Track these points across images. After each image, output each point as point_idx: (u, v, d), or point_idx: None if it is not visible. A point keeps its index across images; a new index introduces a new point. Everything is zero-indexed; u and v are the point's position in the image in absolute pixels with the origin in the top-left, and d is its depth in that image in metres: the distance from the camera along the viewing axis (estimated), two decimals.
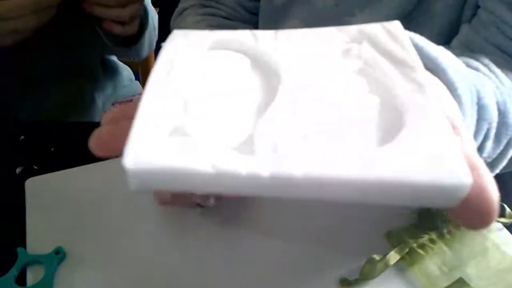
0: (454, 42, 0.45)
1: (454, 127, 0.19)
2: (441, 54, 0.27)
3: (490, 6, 0.42)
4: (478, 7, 0.45)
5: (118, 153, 0.20)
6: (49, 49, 0.74)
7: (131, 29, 0.67)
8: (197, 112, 0.21)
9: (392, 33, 0.24)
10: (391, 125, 0.19)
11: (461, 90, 0.26)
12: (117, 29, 0.65)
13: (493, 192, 0.18)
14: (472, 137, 0.20)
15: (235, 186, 0.18)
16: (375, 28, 0.25)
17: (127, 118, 0.21)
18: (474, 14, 0.45)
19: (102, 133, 0.21)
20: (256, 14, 0.62)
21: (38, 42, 0.71)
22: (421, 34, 0.48)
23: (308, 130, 0.19)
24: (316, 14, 0.52)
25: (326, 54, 0.23)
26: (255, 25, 0.63)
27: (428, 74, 0.24)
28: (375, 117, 0.20)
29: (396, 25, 0.25)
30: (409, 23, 0.48)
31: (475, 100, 0.29)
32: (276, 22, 0.56)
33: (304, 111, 0.20)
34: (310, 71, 0.22)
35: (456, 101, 0.26)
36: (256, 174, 0.17)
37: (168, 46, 0.25)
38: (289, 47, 0.24)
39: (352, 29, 0.25)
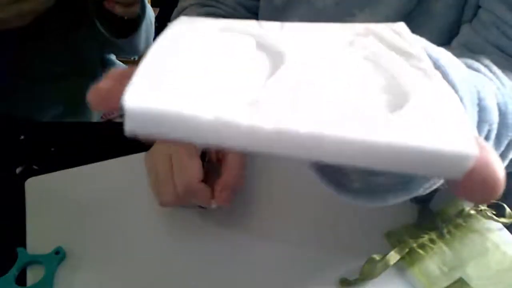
0: (454, 42, 0.45)
1: None
2: (442, 55, 0.27)
3: (491, 6, 0.42)
4: (478, 7, 0.45)
5: (114, 109, 0.19)
6: (48, 48, 0.74)
7: (131, 12, 0.67)
8: (201, 73, 0.20)
9: (398, 31, 0.24)
10: (399, 97, 0.19)
11: (462, 92, 0.26)
12: (119, 9, 0.65)
13: (499, 168, 0.17)
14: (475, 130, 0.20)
15: (235, 138, 0.17)
16: (380, 26, 0.25)
17: (127, 77, 0.20)
18: (474, 15, 0.45)
19: (102, 87, 0.20)
20: (256, 13, 0.62)
21: (37, 41, 0.71)
22: (421, 34, 0.48)
23: (314, 94, 0.19)
24: (316, 14, 0.53)
25: (332, 41, 0.23)
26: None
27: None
28: (382, 90, 0.20)
29: (401, 26, 0.25)
30: (409, 23, 0.48)
31: (476, 101, 0.29)
32: (276, 21, 0.57)
33: (310, 81, 0.20)
34: (315, 53, 0.22)
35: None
36: (258, 126, 0.17)
37: (173, 26, 0.24)
38: (294, 34, 0.24)
39: (358, 26, 0.25)
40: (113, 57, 0.92)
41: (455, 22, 0.47)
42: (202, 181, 0.42)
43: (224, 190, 0.43)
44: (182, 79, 0.19)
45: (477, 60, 0.36)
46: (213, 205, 0.44)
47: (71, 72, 0.79)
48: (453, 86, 0.26)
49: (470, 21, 0.45)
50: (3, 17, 0.54)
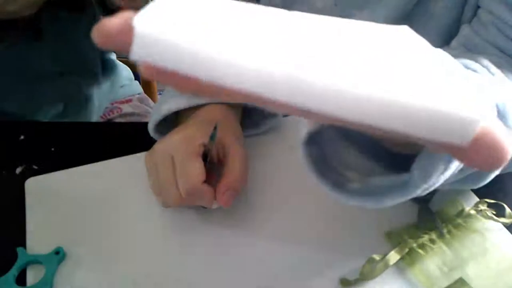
0: (454, 42, 0.45)
1: None
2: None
3: (490, 6, 0.42)
4: (478, 7, 0.45)
5: (122, 48, 0.18)
6: (47, 47, 0.74)
7: (135, 4, 0.66)
8: (220, 16, 0.19)
9: (403, 32, 0.25)
10: (409, 58, 0.19)
11: None
12: (122, 1, 0.64)
13: (504, 135, 0.17)
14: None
15: (242, 80, 0.17)
16: (385, 26, 0.25)
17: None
18: (474, 15, 0.45)
19: (111, 24, 0.19)
20: None
21: (35, 40, 0.71)
22: (421, 35, 0.48)
23: (330, 50, 0.19)
24: (316, 13, 0.53)
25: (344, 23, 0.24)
26: None
27: None
28: (398, 57, 0.20)
29: (405, 28, 0.25)
30: (409, 24, 0.48)
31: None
32: None
33: (325, 40, 0.20)
34: (325, 22, 0.23)
35: None
36: (267, 71, 0.17)
37: None
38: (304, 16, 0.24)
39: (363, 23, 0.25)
40: (113, 57, 0.92)
41: (455, 22, 0.47)
42: (204, 181, 0.42)
43: (226, 191, 0.42)
44: (198, 15, 0.18)
45: (476, 61, 0.36)
46: (215, 206, 0.44)
47: (70, 71, 0.79)
48: None
49: (470, 21, 0.45)
50: (14, 9, 0.55)
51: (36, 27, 0.64)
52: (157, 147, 0.45)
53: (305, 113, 0.18)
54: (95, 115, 0.85)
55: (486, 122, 0.17)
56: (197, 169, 0.41)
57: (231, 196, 0.43)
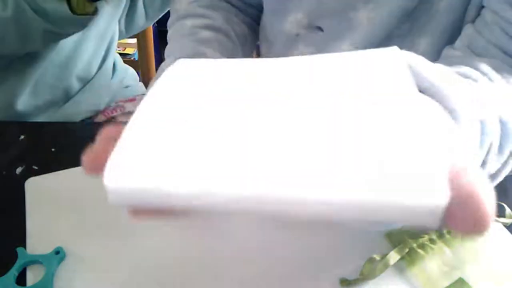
0: (458, 43, 0.45)
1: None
2: (439, 76, 0.27)
3: (495, 6, 0.42)
4: (482, 7, 0.44)
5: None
6: (49, 51, 0.74)
7: None
8: (183, 136, 0.21)
9: (390, 61, 0.24)
10: (378, 139, 0.19)
11: (461, 111, 0.27)
12: None
13: (485, 199, 0.17)
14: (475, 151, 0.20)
15: (215, 204, 0.18)
16: (373, 56, 0.24)
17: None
18: (477, 14, 0.45)
19: (92, 151, 0.22)
20: (254, 7, 0.62)
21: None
22: (424, 33, 0.48)
23: (294, 148, 0.19)
24: (320, 7, 0.53)
25: (323, 86, 0.23)
26: (255, 18, 0.63)
27: (427, 100, 0.24)
28: (363, 132, 0.20)
29: (394, 50, 0.25)
30: (412, 22, 0.48)
31: (477, 117, 0.29)
32: (280, 15, 0.57)
33: (293, 130, 0.20)
34: (304, 96, 0.22)
35: (458, 125, 0.27)
36: (237, 192, 0.18)
37: (166, 73, 0.25)
38: (288, 75, 0.24)
39: (350, 59, 0.25)
40: (117, 58, 0.92)
41: (458, 21, 0.47)
42: None
43: None
44: (162, 150, 0.20)
45: (477, 67, 0.36)
46: None
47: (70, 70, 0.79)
48: (453, 111, 0.26)
49: (473, 21, 0.45)
50: None
51: None
52: None
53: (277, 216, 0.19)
54: (100, 116, 0.85)
55: (447, 201, 0.17)
56: None
57: None
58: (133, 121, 0.22)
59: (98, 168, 0.21)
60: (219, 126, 0.21)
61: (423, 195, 0.17)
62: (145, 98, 0.23)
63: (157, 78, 0.49)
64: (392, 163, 0.18)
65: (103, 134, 0.23)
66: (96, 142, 0.23)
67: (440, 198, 0.17)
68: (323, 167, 0.18)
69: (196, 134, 0.21)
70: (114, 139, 0.21)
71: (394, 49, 0.25)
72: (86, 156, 0.22)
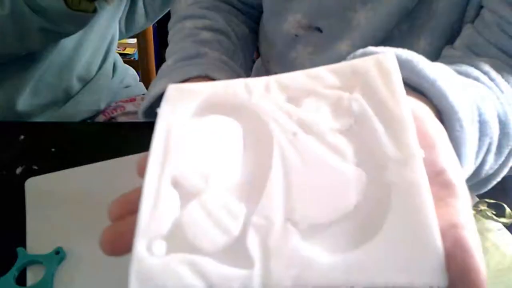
0: (457, 42, 0.45)
1: (449, 184, 0.20)
2: (440, 76, 0.27)
3: (494, 6, 0.42)
4: (481, 7, 0.44)
5: (127, 251, 0.20)
6: (50, 51, 0.74)
7: None
8: (192, 203, 0.22)
9: (384, 71, 0.23)
10: (372, 218, 0.20)
11: (462, 113, 0.27)
12: None
13: (480, 272, 0.18)
14: (468, 193, 0.20)
15: None
16: (367, 67, 0.24)
17: (131, 213, 0.22)
18: (477, 14, 0.45)
19: (109, 233, 0.22)
20: (254, 8, 0.62)
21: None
22: (423, 33, 0.48)
23: (293, 227, 0.20)
24: (318, 8, 0.53)
25: (316, 118, 0.23)
26: (255, 19, 0.63)
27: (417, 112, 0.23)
28: (357, 207, 0.20)
29: (389, 60, 0.24)
30: (411, 22, 0.48)
31: (476, 118, 0.29)
32: (279, 16, 0.57)
33: (293, 197, 0.21)
34: (299, 145, 0.22)
35: (457, 124, 0.27)
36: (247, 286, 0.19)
37: (162, 113, 0.26)
38: (279, 102, 0.24)
39: (345, 69, 0.24)
40: (117, 58, 0.92)
41: (457, 21, 0.47)
42: None
43: None
44: (176, 226, 0.21)
45: (477, 66, 0.36)
46: None
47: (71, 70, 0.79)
48: (452, 108, 0.26)
49: (473, 21, 0.45)
50: None
51: None
52: None
53: None
54: (101, 116, 0.85)
55: (446, 283, 0.17)
56: None
57: None
58: (144, 199, 0.23)
59: (117, 250, 0.21)
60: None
61: (423, 277, 0.17)
62: (152, 156, 0.26)
63: (157, 79, 0.50)
64: (387, 243, 0.19)
65: (113, 213, 0.24)
66: (112, 215, 0.23)
67: (440, 279, 0.17)
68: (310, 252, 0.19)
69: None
70: (126, 214, 0.23)
71: (390, 58, 0.24)
72: (103, 241, 0.22)
